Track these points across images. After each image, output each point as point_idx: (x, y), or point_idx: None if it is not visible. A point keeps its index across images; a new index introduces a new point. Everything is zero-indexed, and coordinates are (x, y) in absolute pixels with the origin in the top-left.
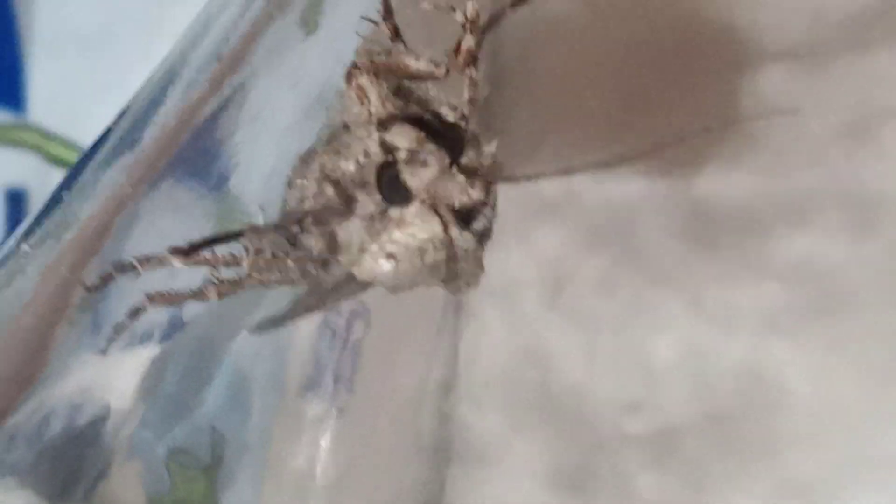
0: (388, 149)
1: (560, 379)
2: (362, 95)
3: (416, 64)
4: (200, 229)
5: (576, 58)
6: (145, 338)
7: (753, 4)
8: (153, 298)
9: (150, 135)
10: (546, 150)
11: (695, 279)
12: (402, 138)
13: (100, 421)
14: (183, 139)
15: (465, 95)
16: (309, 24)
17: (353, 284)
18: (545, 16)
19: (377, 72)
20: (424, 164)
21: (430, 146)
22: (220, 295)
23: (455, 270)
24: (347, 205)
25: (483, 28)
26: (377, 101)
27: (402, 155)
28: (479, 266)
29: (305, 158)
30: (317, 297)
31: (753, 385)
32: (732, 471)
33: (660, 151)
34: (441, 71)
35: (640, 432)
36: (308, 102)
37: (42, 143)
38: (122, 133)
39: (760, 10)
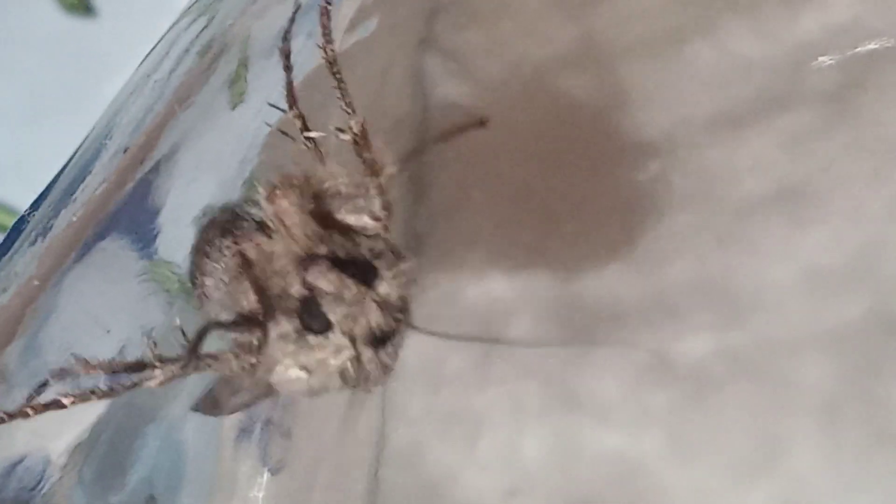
0: (308, 286)
1: (439, 471)
2: (284, 219)
3: (335, 188)
4: (129, 308)
5: (485, 155)
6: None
7: (636, 100)
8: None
9: (60, 224)
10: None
11: (569, 372)
12: (323, 282)
13: (35, 484)
14: (102, 220)
15: (378, 204)
16: (234, 97)
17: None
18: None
19: (298, 194)
20: (342, 298)
21: (349, 283)
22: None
23: (366, 382)
24: (266, 317)
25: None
26: (298, 229)
27: (321, 293)
28: (388, 374)
29: (208, 236)
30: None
31: (626, 473)
32: None
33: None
34: (364, 196)
35: None
36: (228, 178)
37: None
38: (35, 224)
39: (637, 109)
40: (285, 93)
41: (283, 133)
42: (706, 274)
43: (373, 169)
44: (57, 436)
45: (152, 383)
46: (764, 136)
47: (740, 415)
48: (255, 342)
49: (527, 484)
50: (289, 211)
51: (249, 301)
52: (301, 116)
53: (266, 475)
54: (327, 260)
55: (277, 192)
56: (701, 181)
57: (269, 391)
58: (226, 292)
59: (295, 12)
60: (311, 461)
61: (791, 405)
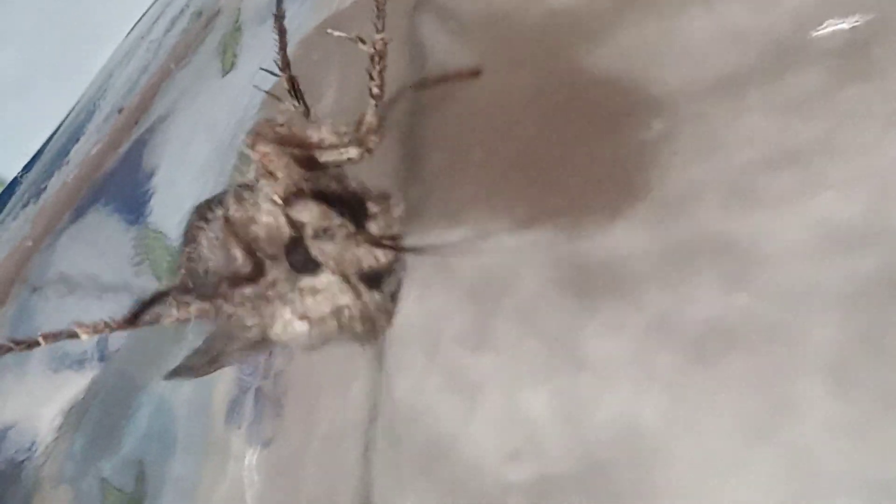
0: (294, 224)
1: (442, 432)
2: (267, 163)
3: (318, 136)
4: (123, 262)
5: (485, 115)
6: (77, 364)
7: (637, 63)
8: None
9: (55, 184)
10: (460, 204)
11: (573, 332)
12: (307, 214)
13: (27, 449)
14: (96, 182)
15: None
16: (225, 62)
17: (265, 343)
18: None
19: (281, 141)
20: (330, 236)
21: (335, 219)
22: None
23: (367, 328)
24: (257, 271)
25: (384, 106)
26: (282, 171)
27: (308, 230)
28: (389, 319)
29: (203, 212)
30: (230, 352)
31: (630, 435)
32: None
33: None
34: (345, 144)
35: (521, 481)
36: (223, 142)
37: None
38: (28, 185)
39: (644, 67)
40: (279, 56)
41: (274, 96)
42: (711, 233)
43: (371, 132)
44: (48, 402)
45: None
46: (770, 95)
47: (746, 376)
48: (249, 301)
49: (529, 446)
50: (270, 155)
51: (240, 260)
52: (292, 79)
53: (258, 446)
54: (312, 196)
55: (258, 136)
56: (706, 140)
57: (260, 345)
58: (217, 259)
59: None
60: (302, 432)
61: (798, 366)
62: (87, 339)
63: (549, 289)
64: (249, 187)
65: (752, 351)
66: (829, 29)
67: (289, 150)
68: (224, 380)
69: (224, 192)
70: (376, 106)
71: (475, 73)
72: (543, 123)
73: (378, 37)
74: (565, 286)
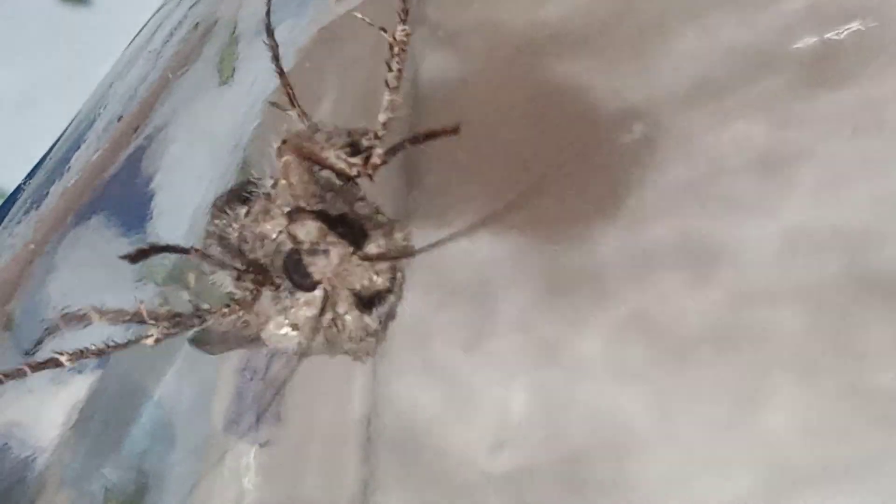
0: (293, 238)
1: (428, 422)
2: (287, 174)
3: (332, 159)
4: (122, 275)
5: (492, 134)
6: (75, 370)
7: (615, 73)
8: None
9: (57, 191)
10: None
11: (551, 328)
12: (304, 232)
13: (29, 453)
14: (97, 188)
15: (381, 119)
16: (223, 72)
17: (259, 341)
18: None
19: (302, 154)
20: (326, 254)
21: (332, 238)
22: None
23: (353, 347)
24: (260, 278)
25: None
26: (298, 184)
27: (305, 246)
28: (377, 343)
29: (222, 207)
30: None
31: (607, 428)
32: None
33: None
34: (353, 171)
35: (505, 472)
36: (221, 150)
37: None
38: (31, 192)
39: (620, 76)
40: (274, 65)
41: (277, 106)
42: (687, 233)
43: (388, 84)
44: (51, 403)
45: (149, 341)
46: (745, 99)
47: (718, 370)
48: (250, 296)
49: (513, 437)
50: (292, 165)
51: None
52: (289, 88)
53: (257, 447)
54: (314, 214)
55: (286, 144)
56: (683, 142)
57: (255, 342)
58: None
59: None
60: (301, 433)
61: (768, 360)
62: (69, 364)
63: (534, 290)
64: (268, 194)
65: (724, 347)
66: (804, 41)
67: (307, 165)
68: (224, 382)
69: (244, 185)
70: (391, 99)
71: (455, 131)
72: (530, 126)
73: (400, 28)
74: (549, 287)
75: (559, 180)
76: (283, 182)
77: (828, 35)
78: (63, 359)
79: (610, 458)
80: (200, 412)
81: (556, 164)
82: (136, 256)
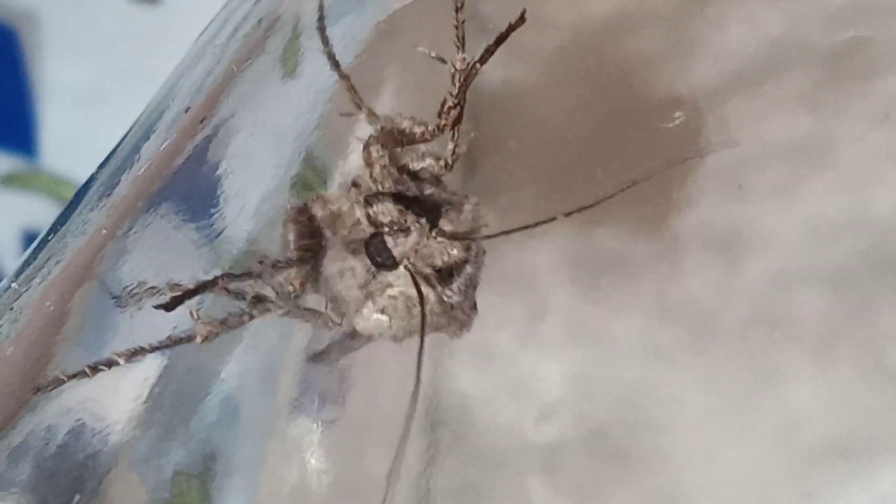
0: (374, 222)
1: (473, 396)
2: (371, 163)
3: (408, 125)
4: (190, 260)
5: (541, 122)
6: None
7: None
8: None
9: (128, 179)
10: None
11: (580, 314)
12: (385, 215)
13: (98, 435)
14: (166, 176)
15: (450, 149)
16: (287, 67)
17: (356, 334)
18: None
19: (384, 143)
20: (406, 233)
21: (411, 217)
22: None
23: (445, 321)
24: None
25: (464, 88)
26: (378, 173)
27: (385, 228)
28: (469, 313)
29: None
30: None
31: (638, 404)
32: (615, 483)
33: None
34: (430, 130)
35: (544, 442)
36: (285, 142)
37: (54, 187)
38: (104, 180)
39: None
40: (329, 61)
41: (346, 115)
42: (719, 218)
43: (453, 116)
44: (122, 383)
45: (198, 339)
46: (781, 89)
47: (739, 350)
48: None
49: (556, 411)
50: (375, 155)
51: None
52: (348, 79)
53: (320, 426)
54: (392, 196)
55: (374, 138)
56: (720, 131)
57: (354, 344)
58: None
59: None
60: (364, 416)
61: (786, 340)
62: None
63: (576, 275)
64: (356, 183)
65: (746, 328)
66: (844, 34)
67: (387, 153)
68: (289, 360)
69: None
70: (455, 88)
71: (521, 20)
72: (576, 114)
73: (459, 56)
74: (589, 272)
75: (599, 168)
76: (366, 170)
77: (865, 30)
78: (120, 360)
79: (643, 431)
80: (266, 390)
81: (599, 148)
82: (172, 304)
